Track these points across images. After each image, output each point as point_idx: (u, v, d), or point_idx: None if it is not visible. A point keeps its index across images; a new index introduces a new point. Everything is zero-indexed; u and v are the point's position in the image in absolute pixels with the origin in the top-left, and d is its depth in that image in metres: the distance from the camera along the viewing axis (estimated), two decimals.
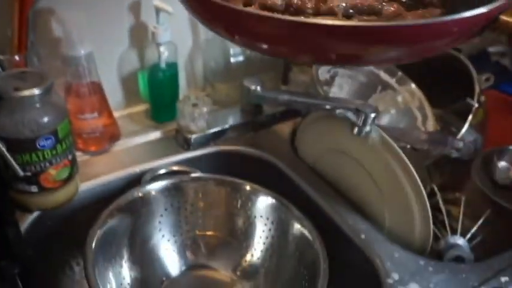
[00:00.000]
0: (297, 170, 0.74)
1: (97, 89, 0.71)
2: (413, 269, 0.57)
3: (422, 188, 0.60)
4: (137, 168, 0.73)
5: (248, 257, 0.69)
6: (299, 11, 0.40)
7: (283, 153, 0.77)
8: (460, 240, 0.62)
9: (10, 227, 0.55)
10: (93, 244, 0.57)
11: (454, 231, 0.64)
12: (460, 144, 0.65)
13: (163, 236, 0.69)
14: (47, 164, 0.58)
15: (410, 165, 0.59)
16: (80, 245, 0.57)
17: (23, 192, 0.60)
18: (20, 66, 0.63)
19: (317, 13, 0.40)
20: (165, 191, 0.68)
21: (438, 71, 0.76)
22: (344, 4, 0.39)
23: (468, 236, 0.63)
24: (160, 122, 0.81)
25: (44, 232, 0.64)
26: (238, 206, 0.70)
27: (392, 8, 0.40)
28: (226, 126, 0.79)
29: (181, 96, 0.82)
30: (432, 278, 0.56)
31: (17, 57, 0.62)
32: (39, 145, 0.56)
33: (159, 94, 0.79)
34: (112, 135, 0.76)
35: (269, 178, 0.73)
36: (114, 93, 0.79)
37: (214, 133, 0.78)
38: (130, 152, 0.76)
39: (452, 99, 0.79)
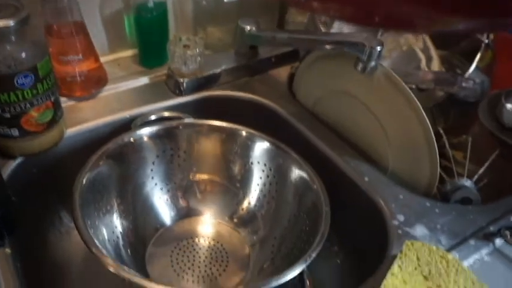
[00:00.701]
0: (296, 115, 0.70)
1: (80, 29, 0.66)
2: (419, 211, 0.55)
3: (430, 127, 0.57)
4: (127, 114, 0.68)
5: (245, 204, 0.66)
6: None
7: (281, 97, 0.73)
8: (467, 182, 0.59)
9: None
10: (81, 191, 0.53)
11: (460, 175, 0.61)
12: (470, 83, 0.61)
13: (156, 184, 0.66)
14: (28, 105, 0.54)
15: (418, 103, 0.56)
16: (68, 194, 0.53)
17: (4, 137, 0.56)
18: None
19: None
20: (157, 137, 0.64)
21: None
22: None
23: (475, 178, 0.60)
24: (150, 67, 0.76)
25: (29, 179, 0.60)
26: (234, 152, 0.66)
27: None
28: (220, 70, 0.74)
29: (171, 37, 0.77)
30: (439, 219, 0.54)
31: None
32: (17, 83, 0.52)
33: (148, 37, 0.74)
34: (98, 79, 0.71)
35: (266, 124, 0.69)
36: (98, 37, 0.74)
37: (207, 77, 0.73)
38: (118, 98, 0.71)
39: (457, 40, 0.75)
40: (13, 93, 0.52)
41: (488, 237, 0.51)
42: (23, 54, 0.52)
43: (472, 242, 0.51)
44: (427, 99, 0.69)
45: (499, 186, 0.61)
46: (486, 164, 0.61)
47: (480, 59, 0.70)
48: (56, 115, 0.59)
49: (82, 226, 0.48)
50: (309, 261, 0.48)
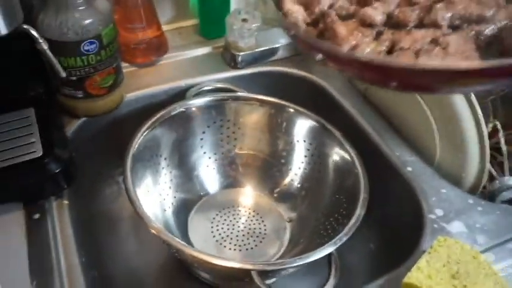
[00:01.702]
0: (347, 97, 0.70)
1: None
2: (460, 207, 0.54)
3: (482, 120, 0.54)
4: (183, 83, 0.71)
5: (287, 180, 0.68)
6: (401, 24, 0.35)
7: (334, 78, 0.73)
8: None
9: (55, 129, 0.56)
10: (133, 155, 0.57)
11: None
12: None
13: (204, 152, 0.69)
14: (92, 70, 0.58)
15: (473, 96, 0.54)
16: (124, 154, 0.58)
17: (70, 97, 0.61)
18: None
19: (420, 25, 0.35)
20: (208, 108, 0.67)
21: None
22: (449, 14, 0.33)
23: None
24: (209, 38, 0.79)
25: (90, 138, 0.66)
26: (281, 128, 0.68)
27: (503, 13, 0.33)
28: (277, 45, 0.75)
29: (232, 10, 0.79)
30: (480, 218, 0.53)
31: None
32: (83, 49, 0.56)
33: (209, 8, 0.76)
34: (159, 47, 0.75)
35: (316, 103, 0.70)
36: (162, 7, 0.77)
37: (263, 52, 0.74)
38: (176, 67, 0.74)
39: None
40: (79, 58, 0.57)
41: None
42: (90, 22, 0.55)
43: (510, 245, 0.49)
44: (489, 91, 0.65)
45: None
46: None
47: None
48: (117, 80, 0.63)
49: (131, 188, 0.52)
50: (338, 244, 0.49)
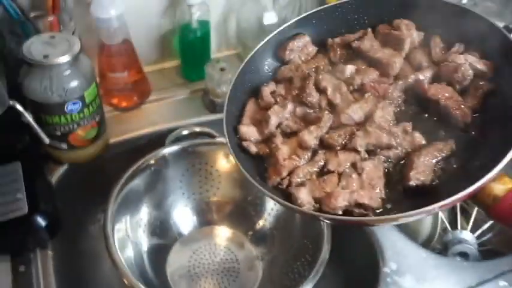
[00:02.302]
0: None
1: (128, 48, 0.73)
2: (413, 261, 0.59)
3: None
4: (164, 126, 0.76)
5: (261, 223, 0.72)
6: (330, 146, 0.43)
7: None
8: (468, 236, 0.62)
9: (40, 183, 0.61)
10: (113, 208, 0.61)
11: (464, 228, 0.63)
12: None
13: (183, 193, 0.73)
14: (75, 126, 0.63)
15: None
16: (107, 198, 0.62)
17: (55, 148, 0.65)
18: (54, 26, 0.65)
19: (343, 148, 0.43)
20: (187, 152, 0.71)
21: None
22: (365, 142, 0.42)
23: (478, 232, 0.62)
24: (191, 80, 0.83)
25: (75, 183, 0.70)
26: None
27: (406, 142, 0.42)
28: None
29: (212, 54, 0.82)
30: (430, 272, 0.57)
31: (50, 18, 0.64)
32: (67, 109, 0.60)
33: (190, 54, 0.80)
34: (143, 91, 0.79)
35: None
36: (146, 49, 0.81)
37: None
38: (159, 110, 0.78)
39: None
40: (63, 116, 0.61)
41: None
42: (73, 85, 0.59)
43: None
44: None
45: (502, 243, 0.62)
46: (491, 221, 0.62)
47: None
48: (100, 131, 0.67)
49: (111, 242, 0.57)
50: None
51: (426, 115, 0.44)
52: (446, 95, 0.42)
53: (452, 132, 0.42)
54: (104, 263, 0.55)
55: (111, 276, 0.55)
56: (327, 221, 0.49)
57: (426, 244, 0.62)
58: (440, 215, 0.62)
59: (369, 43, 0.47)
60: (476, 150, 0.40)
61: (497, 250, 0.61)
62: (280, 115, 0.46)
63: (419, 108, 0.44)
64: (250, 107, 0.49)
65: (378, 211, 0.40)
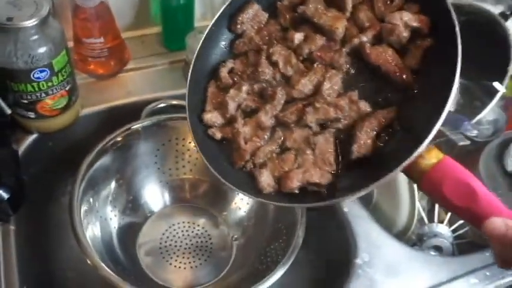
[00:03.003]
0: None
1: (105, 11, 0.69)
2: (387, 253, 0.58)
3: None
4: (140, 98, 0.72)
5: (237, 203, 0.71)
6: (285, 124, 0.44)
7: None
8: (444, 230, 0.61)
9: (4, 153, 0.58)
10: (83, 178, 0.59)
11: (443, 218, 0.62)
12: (474, 133, 0.60)
13: (158, 168, 0.71)
14: (43, 94, 0.59)
15: None
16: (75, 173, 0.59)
17: (22, 117, 0.62)
18: None
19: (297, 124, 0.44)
20: (162, 127, 0.68)
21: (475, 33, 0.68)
22: (315, 118, 0.43)
23: (456, 225, 0.61)
24: (172, 49, 0.79)
25: (44, 153, 0.67)
26: None
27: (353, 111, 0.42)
28: None
29: (196, 23, 0.78)
30: (402, 265, 0.57)
31: None
32: (33, 77, 0.56)
33: (172, 22, 0.76)
34: (121, 58, 0.75)
35: None
36: (124, 14, 0.76)
37: None
38: (137, 79, 0.75)
39: (483, 68, 0.72)
40: (30, 84, 0.57)
41: None
42: (40, 52, 0.55)
43: None
44: None
45: (477, 238, 0.62)
46: None
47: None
48: (71, 101, 0.64)
49: (76, 219, 0.54)
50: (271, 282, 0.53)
51: (373, 77, 0.43)
52: (388, 58, 0.42)
53: (399, 94, 0.42)
54: (71, 240, 0.53)
55: (78, 254, 0.52)
56: (282, 205, 0.51)
57: (401, 235, 0.61)
58: (418, 205, 0.60)
59: (313, 6, 0.46)
60: (419, 113, 0.39)
61: (475, 243, 0.61)
62: (237, 98, 0.46)
63: (367, 70, 0.43)
64: (212, 90, 0.48)
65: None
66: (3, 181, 0.55)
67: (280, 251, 0.60)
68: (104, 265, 0.52)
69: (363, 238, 0.59)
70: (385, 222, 0.61)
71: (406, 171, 0.38)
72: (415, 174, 0.38)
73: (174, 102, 0.72)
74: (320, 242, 0.61)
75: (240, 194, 0.50)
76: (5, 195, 0.54)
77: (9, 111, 0.55)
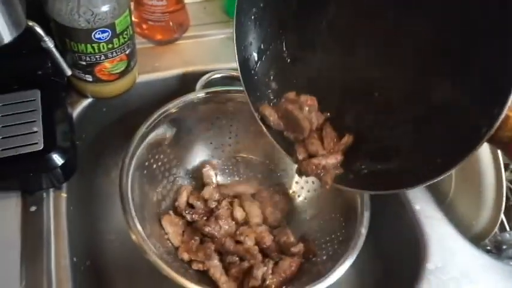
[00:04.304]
0: None
1: None
2: (461, 259, 0.52)
3: (503, 169, 0.51)
4: (197, 68, 0.68)
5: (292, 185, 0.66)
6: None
7: None
8: None
9: (60, 117, 0.55)
10: (133, 152, 0.55)
11: None
12: None
13: (211, 143, 0.67)
14: (102, 57, 0.55)
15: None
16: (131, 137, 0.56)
17: (79, 79, 0.59)
18: None
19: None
20: (216, 101, 0.63)
21: None
22: None
23: None
24: None
25: (98, 118, 0.64)
26: None
27: None
28: None
29: None
30: (479, 274, 0.51)
31: None
32: (94, 37, 0.53)
33: None
34: (181, 24, 0.70)
35: None
36: None
37: None
38: (194, 49, 0.70)
39: None
40: (90, 45, 0.54)
41: None
42: (102, 10, 0.51)
43: None
44: None
45: None
46: None
47: None
48: (129, 66, 0.60)
49: (125, 195, 0.51)
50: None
51: None
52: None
53: None
54: (119, 212, 0.50)
55: (125, 228, 0.49)
56: None
57: (477, 241, 0.55)
58: (501, 216, 0.54)
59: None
60: None
61: None
62: None
63: None
64: None
65: None
66: (59, 145, 0.52)
67: (340, 247, 0.55)
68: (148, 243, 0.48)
69: (435, 242, 0.53)
70: (460, 224, 0.55)
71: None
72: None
73: (234, 73, 0.67)
74: (385, 244, 0.56)
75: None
76: (60, 161, 0.51)
77: (69, 72, 0.52)
